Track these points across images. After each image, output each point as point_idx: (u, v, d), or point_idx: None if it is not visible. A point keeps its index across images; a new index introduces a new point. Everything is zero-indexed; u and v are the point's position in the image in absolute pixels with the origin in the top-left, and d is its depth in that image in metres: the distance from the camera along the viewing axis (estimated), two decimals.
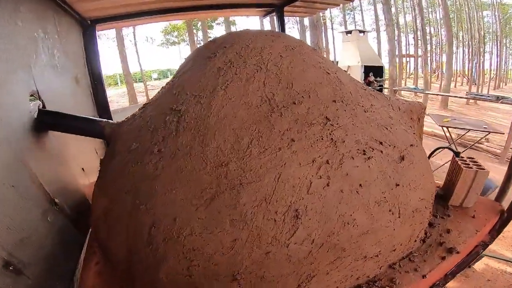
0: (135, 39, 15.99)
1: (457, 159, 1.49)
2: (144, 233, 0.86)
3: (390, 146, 1.08)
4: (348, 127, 1.02)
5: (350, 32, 8.45)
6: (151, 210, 0.86)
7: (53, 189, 1.20)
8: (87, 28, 2.40)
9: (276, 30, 3.55)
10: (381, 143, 1.06)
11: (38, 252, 0.98)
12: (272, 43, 1.23)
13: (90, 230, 1.44)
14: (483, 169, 1.37)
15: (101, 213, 0.99)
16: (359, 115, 1.12)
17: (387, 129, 1.15)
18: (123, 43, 12.09)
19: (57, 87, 1.60)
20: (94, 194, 1.16)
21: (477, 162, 1.43)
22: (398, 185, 0.98)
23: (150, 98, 1.33)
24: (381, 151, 1.03)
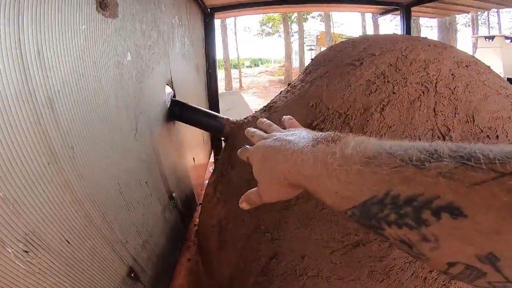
0: (235, 28, 16.90)
1: None
2: (262, 261, 0.78)
3: None
4: None
5: (492, 37, 6.82)
6: (276, 240, 0.76)
7: (172, 182, 1.23)
8: (208, 16, 2.49)
9: (400, 32, 3.08)
10: None
11: (152, 253, 0.95)
12: (439, 57, 0.95)
13: (192, 224, 1.49)
14: None
15: (216, 222, 0.96)
16: None
17: None
18: (226, 32, 12.89)
19: (184, 76, 1.68)
20: (208, 193, 1.15)
21: None
22: None
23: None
24: None
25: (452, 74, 0.89)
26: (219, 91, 2.75)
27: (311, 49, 19.78)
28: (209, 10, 2.50)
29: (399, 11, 3.04)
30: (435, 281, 0.66)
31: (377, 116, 0.78)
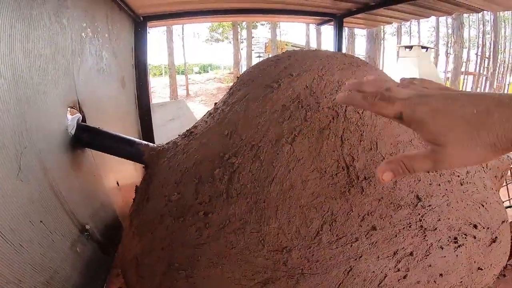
0: (183, 33, 16.43)
1: None
2: None
3: (484, 228, 0.92)
4: (442, 210, 0.83)
5: (410, 47, 7.65)
6: (190, 278, 0.72)
7: (84, 213, 1.10)
8: (139, 25, 2.32)
9: (333, 41, 3.29)
10: (475, 226, 0.90)
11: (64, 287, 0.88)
12: (352, 76, 0.99)
13: (117, 254, 1.35)
14: None
15: (132, 258, 0.87)
16: (455, 190, 0.91)
17: (483, 206, 0.97)
18: (171, 37, 12.45)
19: (102, 93, 1.50)
20: (126, 225, 1.05)
21: None
22: (481, 269, 0.85)
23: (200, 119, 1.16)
24: (474, 237, 0.87)
25: None
26: (163, 100, 2.57)
27: (259, 56, 20.16)
28: (141, 18, 2.33)
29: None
30: None
31: (288, 148, 0.76)
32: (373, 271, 0.68)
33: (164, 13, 2.46)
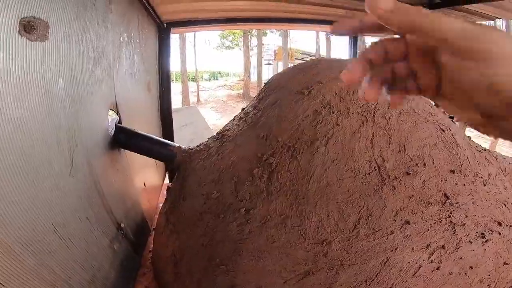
0: (195, 40, 16.71)
1: None
2: None
3: (507, 226, 0.97)
4: (468, 207, 0.89)
5: None
6: (232, 272, 0.77)
7: (119, 212, 1.14)
8: (163, 31, 2.40)
9: (348, 50, 3.35)
10: (499, 223, 0.95)
11: (103, 287, 0.91)
12: None
13: (147, 250, 1.39)
14: None
15: (170, 255, 0.93)
16: (479, 190, 0.96)
17: (505, 205, 1.02)
18: (184, 44, 12.67)
19: (133, 97, 1.57)
20: (160, 224, 1.09)
21: None
22: (507, 264, 0.89)
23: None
24: (499, 233, 0.92)
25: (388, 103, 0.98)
26: (176, 106, 2.65)
27: (269, 64, 20.36)
28: (165, 25, 2.42)
29: None
30: None
31: (323, 149, 0.82)
32: (408, 262, 0.74)
33: (185, 20, 2.55)
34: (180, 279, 0.90)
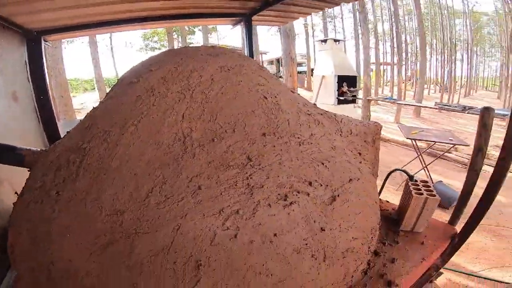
0: (111, 44, 15.47)
1: (410, 183, 1.44)
2: (44, 269, 0.78)
3: (321, 185, 0.99)
4: (272, 168, 0.92)
5: (325, 41, 8.40)
6: (48, 250, 0.78)
7: None
8: (32, 40, 2.24)
9: (244, 40, 3.51)
10: (310, 183, 0.97)
11: None
12: (205, 64, 1.13)
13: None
14: (434, 195, 1.34)
15: (12, 241, 0.89)
16: (292, 150, 1.03)
17: (323, 164, 1.08)
18: (96, 49, 11.63)
19: None
20: (11, 217, 1.05)
21: (429, 187, 1.39)
22: (324, 230, 0.89)
23: None
24: (308, 194, 0.94)
25: (212, 79, 1.08)
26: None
27: None
28: (35, 33, 2.24)
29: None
30: (183, 272, 0.73)
31: (132, 129, 0.89)
32: (201, 229, 0.75)
33: (60, 27, 2.38)
34: (17, 260, 0.87)
